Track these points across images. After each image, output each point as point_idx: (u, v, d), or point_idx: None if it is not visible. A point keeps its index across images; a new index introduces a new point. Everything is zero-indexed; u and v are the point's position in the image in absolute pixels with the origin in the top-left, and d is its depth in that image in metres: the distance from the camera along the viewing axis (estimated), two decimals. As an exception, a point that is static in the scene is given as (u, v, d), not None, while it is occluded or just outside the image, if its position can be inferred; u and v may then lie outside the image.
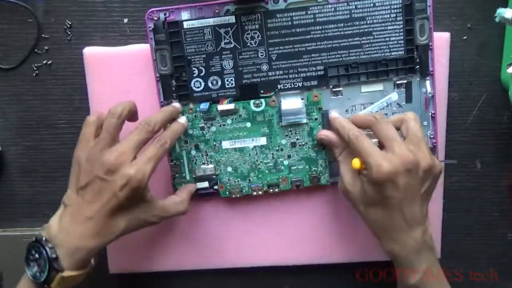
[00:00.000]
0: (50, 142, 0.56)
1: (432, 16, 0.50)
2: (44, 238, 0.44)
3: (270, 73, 0.51)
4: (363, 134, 0.47)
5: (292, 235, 0.56)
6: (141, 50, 0.52)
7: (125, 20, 0.53)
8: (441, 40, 0.52)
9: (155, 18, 0.50)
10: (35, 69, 0.54)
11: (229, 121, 0.52)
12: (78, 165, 0.45)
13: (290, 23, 0.50)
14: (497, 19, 0.47)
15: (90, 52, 0.53)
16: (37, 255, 0.44)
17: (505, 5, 0.50)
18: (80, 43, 0.54)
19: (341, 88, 0.52)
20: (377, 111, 0.52)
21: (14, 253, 0.57)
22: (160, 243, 0.56)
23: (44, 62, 0.54)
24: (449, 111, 0.54)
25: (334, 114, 0.51)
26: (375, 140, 0.47)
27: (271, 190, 0.53)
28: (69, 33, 0.54)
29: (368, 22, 0.50)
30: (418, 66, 0.51)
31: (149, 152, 0.45)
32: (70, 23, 0.53)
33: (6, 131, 0.56)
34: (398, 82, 0.52)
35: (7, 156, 0.56)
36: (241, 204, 0.55)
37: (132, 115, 0.48)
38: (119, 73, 0.53)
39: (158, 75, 0.51)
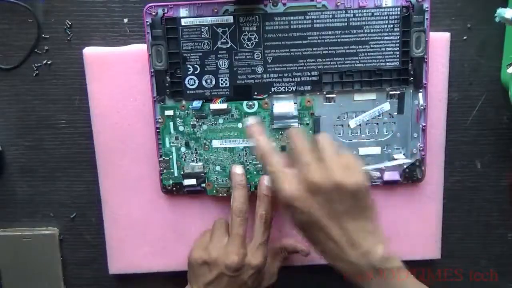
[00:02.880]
0: (50, 142, 0.56)
1: (429, 29, 0.50)
2: None
3: (264, 76, 0.51)
4: (267, 153, 0.45)
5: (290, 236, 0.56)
6: (141, 50, 0.52)
7: (125, 20, 0.53)
8: (441, 40, 0.52)
9: (153, 13, 0.50)
10: (35, 69, 0.54)
11: (220, 121, 0.52)
12: (198, 267, 0.49)
13: (287, 27, 0.50)
14: (497, 19, 0.47)
15: (90, 52, 0.53)
16: None
17: (505, 5, 0.50)
18: (80, 43, 0.54)
19: (334, 95, 0.52)
20: (368, 120, 0.52)
21: (14, 253, 0.57)
22: (160, 243, 0.56)
23: (44, 62, 0.54)
24: (449, 111, 0.54)
25: (251, 121, 0.49)
26: None
27: None
28: (69, 33, 0.54)
29: (365, 31, 0.50)
30: (412, 78, 0.51)
31: (259, 238, 0.49)
32: (70, 23, 0.53)
33: (6, 131, 0.56)
34: (391, 92, 0.52)
35: (7, 156, 0.56)
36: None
37: None
38: (119, 73, 0.53)
39: (152, 70, 0.51)
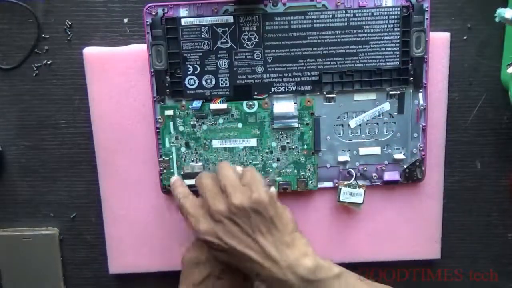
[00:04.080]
0: (50, 142, 0.56)
1: (429, 29, 0.50)
2: None
3: (264, 75, 0.51)
4: (185, 197, 0.47)
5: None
6: (141, 50, 0.52)
7: (125, 20, 0.54)
8: (441, 40, 0.52)
9: (153, 13, 0.50)
10: (35, 69, 0.54)
11: (220, 121, 0.52)
12: (196, 264, 0.48)
13: (287, 27, 0.50)
14: (497, 19, 0.47)
15: (90, 52, 0.53)
16: None
17: (505, 5, 0.50)
18: (80, 43, 0.54)
19: (334, 95, 0.52)
20: (368, 120, 0.52)
21: (14, 253, 0.57)
22: (160, 243, 0.56)
23: (44, 62, 0.54)
24: (449, 111, 0.54)
25: (172, 179, 0.52)
26: None
27: None
28: (69, 33, 0.54)
29: (365, 31, 0.50)
30: (412, 78, 0.51)
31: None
32: (70, 23, 0.53)
33: (6, 131, 0.56)
34: (391, 92, 0.52)
35: (7, 156, 0.56)
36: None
37: None
38: (119, 73, 0.53)
39: (152, 70, 0.51)
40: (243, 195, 0.43)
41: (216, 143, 0.53)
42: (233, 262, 0.45)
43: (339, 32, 0.50)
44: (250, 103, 0.52)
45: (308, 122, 0.52)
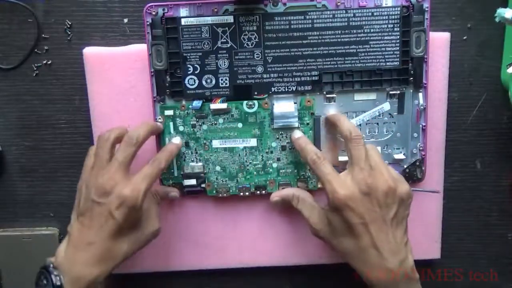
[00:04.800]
0: (50, 142, 0.56)
1: (429, 29, 0.50)
2: (51, 265, 0.44)
3: (264, 75, 0.51)
4: (320, 158, 0.47)
5: (291, 236, 0.56)
6: (141, 50, 0.52)
7: (125, 20, 0.54)
8: (441, 40, 0.52)
9: (153, 13, 0.50)
10: (35, 69, 0.54)
11: (220, 121, 0.52)
12: (79, 193, 0.47)
13: (287, 26, 0.50)
14: (497, 19, 0.47)
15: (90, 52, 0.53)
16: (45, 282, 0.44)
17: (505, 5, 0.50)
18: (80, 43, 0.54)
19: (334, 95, 0.52)
20: (368, 120, 0.52)
21: (14, 253, 0.57)
22: (160, 243, 0.56)
23: (44, 62, 0.54)
24: (449, 111, 0.54)
25: (297, 134, 0.51)
26: None
27: (258, 192, 0.54)
28: (69, 33, 0.54)
29: (365, 31, 0.50)
30: (412, 78, 0.51)
31: (144, 170, 0.46)
32: (70, 23, 0.53)
33: (6, 131, 0.56)
34: (391, 92, 0.52)
35: (7, 156, 0.56)
36: (235, 203, 0.55)
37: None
38: (119, 73, 0.53)
39: (152, 70, 0.51)
40: (398, 184, 0.45)
41: (216, 143, 0.53)
42: (345, 242, 0.46)
43: (339, 32, 0.50)
44: (250, 103, 0.52)
45: (308, 122, 0.52)
